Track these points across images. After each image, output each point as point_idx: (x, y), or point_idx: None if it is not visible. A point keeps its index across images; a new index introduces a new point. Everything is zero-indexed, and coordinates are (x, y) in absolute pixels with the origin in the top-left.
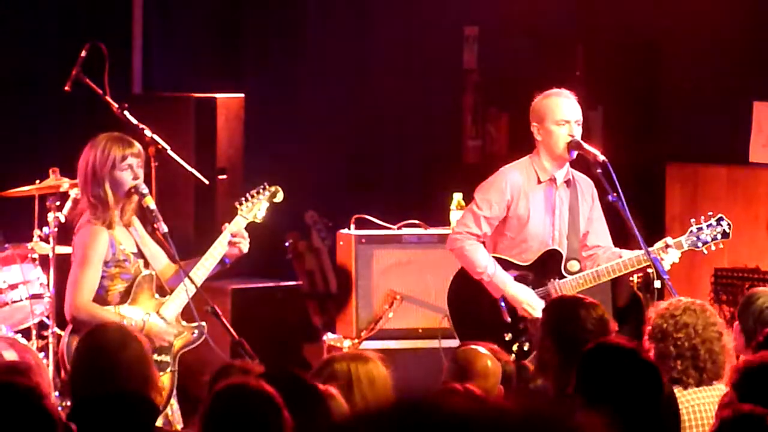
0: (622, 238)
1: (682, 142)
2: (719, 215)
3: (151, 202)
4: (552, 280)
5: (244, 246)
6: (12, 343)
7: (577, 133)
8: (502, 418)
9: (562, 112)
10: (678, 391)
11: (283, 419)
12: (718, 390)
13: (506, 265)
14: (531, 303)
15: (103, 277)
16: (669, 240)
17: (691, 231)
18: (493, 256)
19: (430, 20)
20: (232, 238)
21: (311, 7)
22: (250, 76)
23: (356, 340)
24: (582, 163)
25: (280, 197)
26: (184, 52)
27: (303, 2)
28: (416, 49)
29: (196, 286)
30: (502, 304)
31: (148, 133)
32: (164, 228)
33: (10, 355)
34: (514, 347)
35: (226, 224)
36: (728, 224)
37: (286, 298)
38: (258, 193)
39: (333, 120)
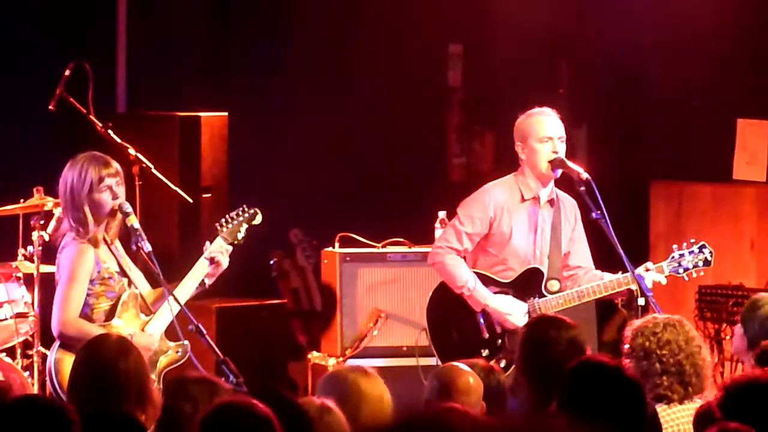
0: (605, 255)
1: (667, 159)
2: (702, 243)
3: (134, 221)
4: (532, 298)
5: (224, 260)
6: None
7: (561, 149)
8: None
9: (544, 129)
10: (662, 408)
11: None
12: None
13: (487, 281)
14: (515, 313)
15: (88, 295)
16: (650, 265)
17: (673, 257)
18: (474, 272)
19: (414, 38)
20: (212, 260)
21: (295, 25)
22: (234, 95)
23: (341, 359)
24: (566, 181)
25: (258, 219)
26: (168, 70)
27: (287, 20)
28: (401, 66)
29: (179, 304)
30: (481, 320)
31: (132, 151)
32: (148, 247)
33: None
34: (491, 363)
35: (207, 242)
36: (710, 252)
37: (271, 316)
38: (237, 215)
39: (317, 138)
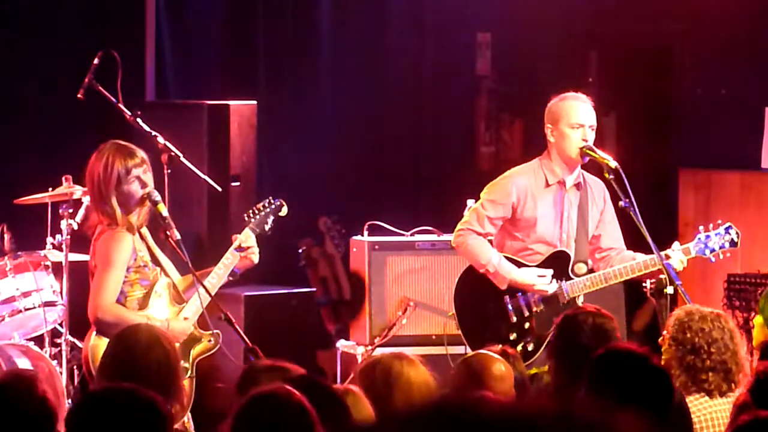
0: (634, 243)
1: (695, 148)
2: (728, 223)
3: (163, 210)
4: (559, 281)
5: (255, 257)
6: (25, 350)
7: (591, 138)
8: (539, 418)
9: (577, 115)
10: (703, 400)
11: (315, 427)
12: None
13: (514, 265)
14: (541, 280)
15: (123, 283)
16: (676, 245)
17: (699, 239)
18: (504, 256)
19: (443, 27)
20: (242, 249)
21: (324, 14)
22: (263, 83)
23: (370, 347)
24: (595, 169)
25: (284, 211)
26: (197, 59)
27: (316, 9)
28: (430, 55)
29: (209, 294)
30: (508, 305)
31: (160, 140)
32: (177, 235)
33: (24, 363)
34: (519, 347)
35: (236, 235)
36: (736, 233)
37: (300, 304)
38: (264, 207)
39: (346, 127)
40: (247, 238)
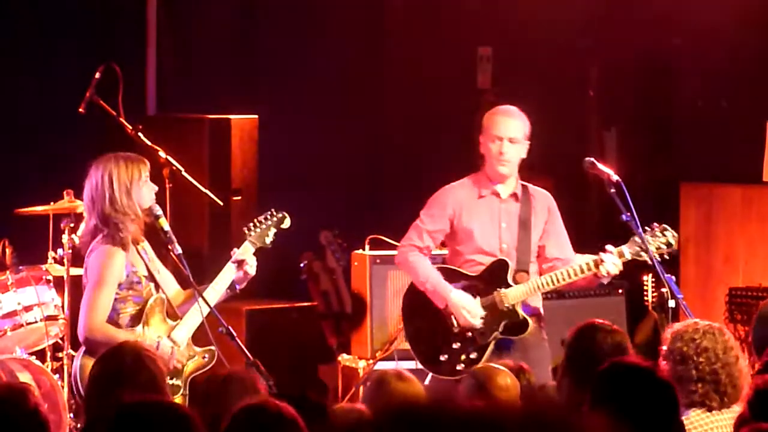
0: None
1: (696, 161)
2: (664, 225)
3: (165, 224)
4: (498, 289)
5: (251, 269)
6: (27, 364)
7: (510, 151)
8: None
9: (496, 128)
10: (698, 414)
11: None
12: (736, 412)
13: (456, 275)
14: (470, 310)
15: (114, 300)
16: (610, 247)
17: (634, 240)
18: (445, 267)
19: (443, 40)
20: (239, 262)
21: (325, 28)
22: (264, 97)
23: (371, 361)
24: (597, 183)
25: (287, 223)
26: (198, 73)
27: (316, 23)
28: (430, 69)
29: (210, 307)
30: (451, 315)
31: (162, 154)
32: (178, 249)
33: (25, 377)
34: (462, 356)
35: (235, 249)
36: (672, 234)
37: (301, 318)
38: (266, 218)
39: (347, 140)
40: (245, 251)
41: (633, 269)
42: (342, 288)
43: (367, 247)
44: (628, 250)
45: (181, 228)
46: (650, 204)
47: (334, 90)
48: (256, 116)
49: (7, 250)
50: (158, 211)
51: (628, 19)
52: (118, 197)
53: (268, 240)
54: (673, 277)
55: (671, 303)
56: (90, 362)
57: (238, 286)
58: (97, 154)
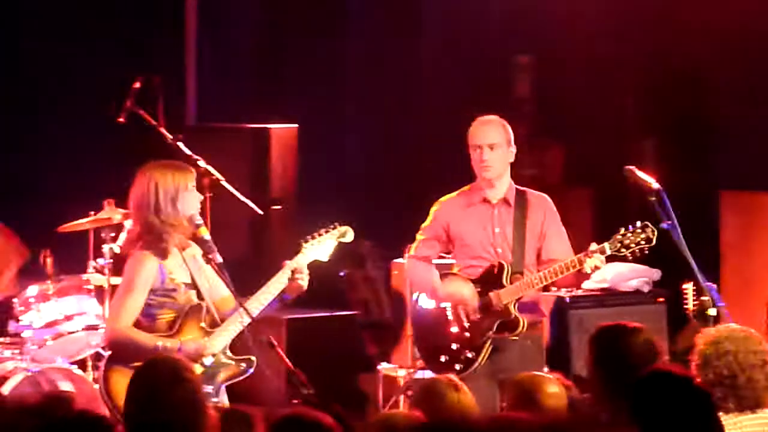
0: (676, 265)
1: (736, 169)
2: (645, 222)
3: (205, 233)
4: (492, 291)
5: (303, 282)
6: (68, 374)
7: (491, 157)
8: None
9: (475, 137)
10: (726, 417)
11: None
12: (763, 415)
13: (459, 279)
14: (458, 288)
15: (150, 305)
16: (593, 246)
17: (616, 237)
18: (445, 273)
19: (482, 49)
20: (294, 274)
21: (363, 37)
22: (303, 106)
23: (411, 370)
24: (637, 191)
25: (350, 237)
26: (238, 83)
27: (352, 32)
28: (469, 78)
29: (250, 317)
30: (449, 314)
31: (202, 164)
32: (219, 259)
33: (67, 386)
34: (461, 356)
35: (287, 261)
36: (652, 230)
37: (341, 327)
38: (326, 231)
39: (385, 150)
40: (300, 263)
41: (674, 277)
42: (382, 297)
43: (406, 255)
44: (609, 247)
45: (220, 237)
46: (690, 212)
47: (372, 99)
48: (296, 126)
49: (49, 260)
50: (199, 220)
51: (666, 28)
52: (164, 206)
53: (326, 253)
54: (714, 285)
55: (712, 311)
56: (115, 369)
57: (288, 297)
58: (137, 164)
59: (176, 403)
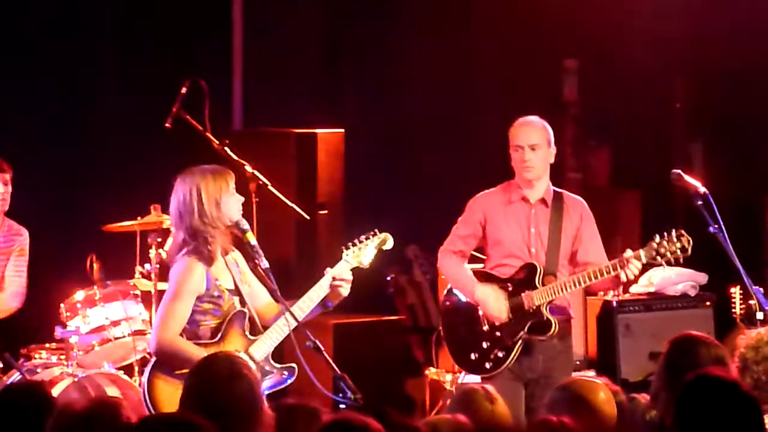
0: (723, 268)
1: None
2: (680, 231)
3: (251, 238)
4: (525, 291)
5: (345, 290)
6: (114, 379)
7: (533, 158)
8: None
9: (516, 138)
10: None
11: None
12: None
13: (487, 278)
14: (495, 300)
15: (195, 312)
16: (628, 252)
17: (651, 245)
18: (477, 271)
19: (529, 53)
20: (334, 281)
21: (411, 42)
22: (350, 110)
23: (458, 374)
24: (684, 195)
25: (389, 244)
26: (284, 87)
27: (402, 37)
28: (516, 82)
29: (297, 322)
30: (480, 315)
31: (248, 168)
32: (265, 264)
33: (113, 392)
34: (491, 355)
35: (328, 268)
36: (688, 240)
37: (388, 332)
38: (367, 238)
39: (433, 154)
40: (341, 270)
41: (721, 281)
42: (429, 302)
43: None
44: (644, 254)
45: (267, 242)
46: (736, 216)
47: (420, 103)
48: (342, 130)
49: (95, 266)
50: (245, 225)
51: (712, 30)
52: (208, 210)
53: (367, 260)
54: (761, 289)
55: (759, 315)
56: (159, 375)
57: (330, 304)
58: (183, 169)
59: (234, 399)
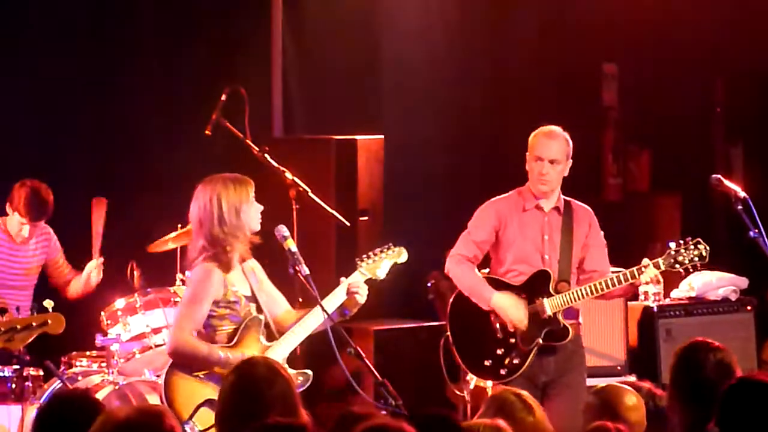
0: (764, 273)
1: None
2: (697, 239)
3: (292, 245)
4: (540, 298)
5: (362, 297)
6: (155, 386)
7: (551, 172)
8: None
9: (539, 149)
10: None
11: None
12: None
13: (499, 285)
14: (514, 307)
15: (212, 317)
16: (646, 261)
17: (669, 253)
18: (489, 277)
19: (568, 58)
20: (350, 288)
21: (447, 49)
22: (390, 117)
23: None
24: (724, 199)
25: (404, 258)
26: (324, 94)
27: (439, 43)
28: (555, 86)
29: (332, 321)
30: (495, 322)
31: (289, 175)
32: (306, 270)
33: (154, 399)
34: (506, 361)
35: (343, 278)
36: (705, 248)
37: (429, 338)
38: (381, 251)
39: (471, 159)
40: (356, 280)
41: (761, 286)
42: None
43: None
44: (663, 262)
45: (307, 249)
46: None
47: (457, 110)
48: (382, 136)
49: (136, 273)
50: (286, 232)
51: (754, 35)
52: (228, 218)
53: (381, 273)
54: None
55: None
56: (176, 376)
57: (347, 312)
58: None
59: (274, 400)
